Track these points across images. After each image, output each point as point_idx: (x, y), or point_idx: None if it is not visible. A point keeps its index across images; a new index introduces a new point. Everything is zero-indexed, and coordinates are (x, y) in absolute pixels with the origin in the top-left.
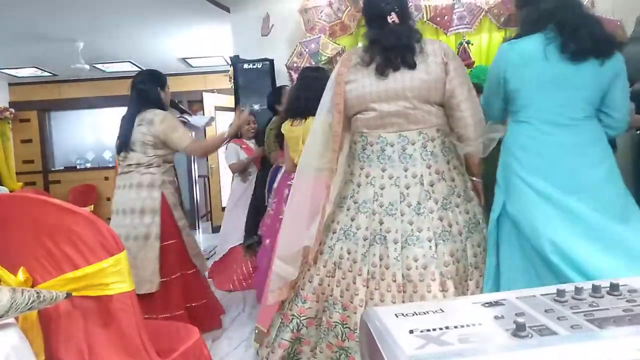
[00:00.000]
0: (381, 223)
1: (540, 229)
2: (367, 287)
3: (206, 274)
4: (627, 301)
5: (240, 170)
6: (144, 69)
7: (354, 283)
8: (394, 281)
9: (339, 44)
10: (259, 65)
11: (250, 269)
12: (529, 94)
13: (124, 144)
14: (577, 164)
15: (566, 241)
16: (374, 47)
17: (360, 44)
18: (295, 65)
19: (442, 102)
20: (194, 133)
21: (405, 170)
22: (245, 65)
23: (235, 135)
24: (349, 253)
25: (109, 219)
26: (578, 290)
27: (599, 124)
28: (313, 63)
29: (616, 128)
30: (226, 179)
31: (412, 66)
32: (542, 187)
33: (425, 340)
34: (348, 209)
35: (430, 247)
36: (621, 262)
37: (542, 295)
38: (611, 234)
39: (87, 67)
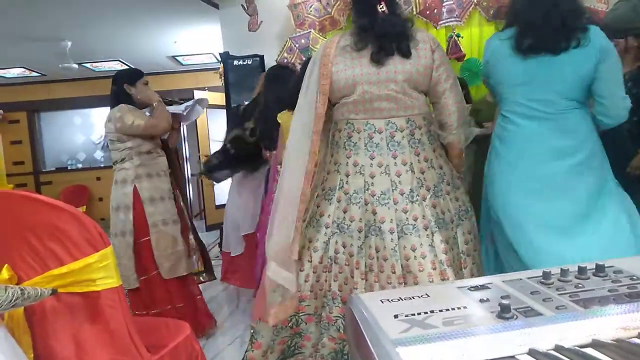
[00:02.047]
0: (374, 213)
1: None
2: (366, 280)
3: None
4: (612, 282)
5: None
6: (134, 67)
7: (352, 277)
8: (394, 272)
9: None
10: (249, 62)
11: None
12: (502, 88)
13: (104, 145)
14: (545, 156)
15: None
16: (366, 34)
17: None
18: (285, 60)
19: (427, 90)
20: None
21: (395, 158)
22: (236, 62)
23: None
24: (344, 247)
25: (103, 219)
26: (564, 273)
27: (584, 114)
28: (304, 58)
29: (612, 116)
30: None
31: (406, 55)
32: (511, 176)
33: (409, 324)
34: (339, 201)
35: (427, 235)
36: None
37: (528, 278)
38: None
39: (76, 66)
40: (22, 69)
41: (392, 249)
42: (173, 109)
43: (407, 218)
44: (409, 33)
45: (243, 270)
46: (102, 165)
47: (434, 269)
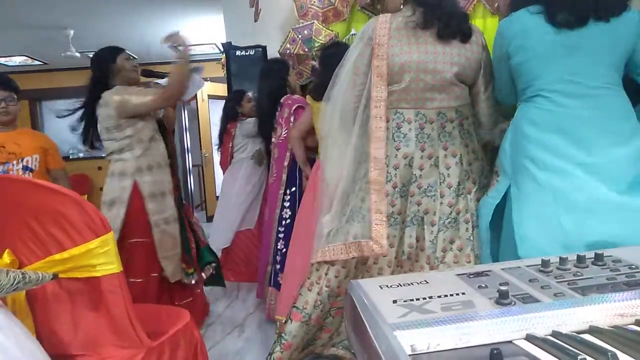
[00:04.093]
0: (419, 204)
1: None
2: (401, 267)
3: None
4: (610, 270)
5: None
6: (136, 57)
7: (389, 267)
8: (428, 263)
9: (332, 30)
10: (252, 52)
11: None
12: (536, 64)
13: (84, 141)
14: (599, 142)
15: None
16: (433, 11)
17: (353, 31)
18: (288, 51)
19: (472, 83)
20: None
21: (445, 150)
22: (238, 52)
23: (237, 114)
24: (387, 238)
25: None
26: (563, 261)
27: (625, 95)
28: (306, 49)
29: None
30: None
31: (466, 37)
32: (558, 165)
33: (408, 309)
34: (386, 195)
35: (467, 229)
36: None
37: (527, 266)
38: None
39: (78, 55)
40: (25, 58)
41: (430, 241)
42: (165, 82)
43: (451, 212)
44: (468, 16)
45: (237, 265)
46: (103, 155)
47: (469, 262)
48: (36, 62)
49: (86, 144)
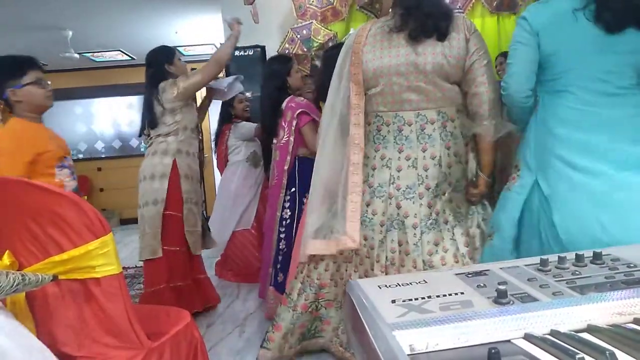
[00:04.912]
0: (398, 207)
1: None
2: (386, 274)
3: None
4: (609, 269)
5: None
6: (135, 57)
7: (372, 270)
8: (415, 267)
9: (330, 30)
10: (251, 52)
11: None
12: (568, 57)
13: (150, 122)
14: (628, 140)
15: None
16: (412, 13)
17: (352, 30)
18: (287, 51)
19: (460, 80)
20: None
21: (424, 152)
22: (237, 52)
23: (230, 116)
24: (365, 239)
25: (104, 209)
26: (561, 260)
27: None
28: (305, 49)
29: None
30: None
31: (443, 36)
32: (590, 166)
33: (406, 308)
34: (362, 194)
35: (448, 229)
36: None
37: (525, 265)
38: None
39: (77, 56)
40: None
41: (414, 244)
42: (216, 84)
43: (431, 213)
44: (452, 14)
45: (237, 266)
46: (102, 156)
47: (457, 262)
48: None
49: (151, 127)
